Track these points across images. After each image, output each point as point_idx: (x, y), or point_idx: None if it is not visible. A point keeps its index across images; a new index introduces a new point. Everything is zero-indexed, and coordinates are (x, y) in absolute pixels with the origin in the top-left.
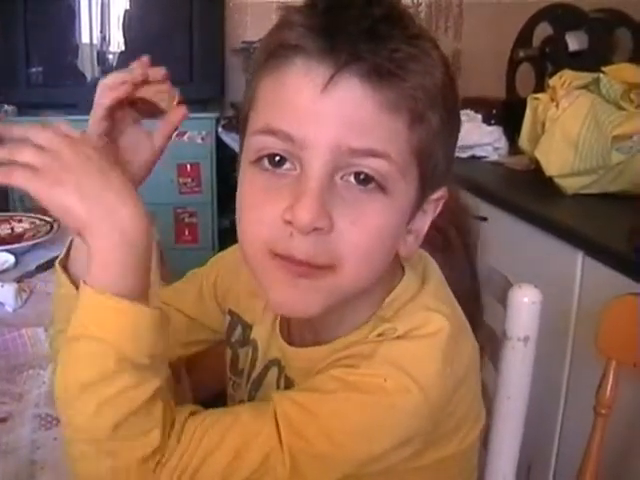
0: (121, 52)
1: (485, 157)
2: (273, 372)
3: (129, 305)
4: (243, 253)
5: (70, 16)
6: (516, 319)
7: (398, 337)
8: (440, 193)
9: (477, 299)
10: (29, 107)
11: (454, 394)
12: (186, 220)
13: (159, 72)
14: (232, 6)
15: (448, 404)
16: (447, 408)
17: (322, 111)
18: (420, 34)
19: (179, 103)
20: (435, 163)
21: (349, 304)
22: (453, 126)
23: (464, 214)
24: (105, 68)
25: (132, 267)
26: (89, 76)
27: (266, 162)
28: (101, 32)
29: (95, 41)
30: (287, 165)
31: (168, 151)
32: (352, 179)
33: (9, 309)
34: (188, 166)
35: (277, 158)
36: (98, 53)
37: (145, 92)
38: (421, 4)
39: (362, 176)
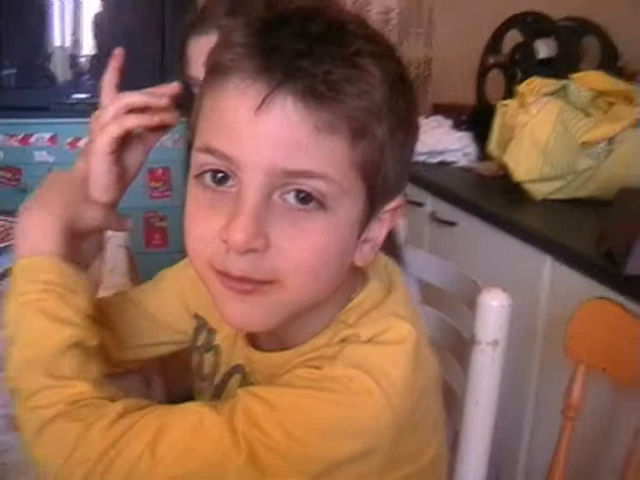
0: (93, 55)
1: (455, 162)
2: (236, 379)
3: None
4: (192, 266)
5: (43, 19)
6: (485, 323)
7: (362, 342)
8: (396, 202)
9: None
10: (1, 109)
11: (418, 404)
12: (156, 224)
13: (175, 88)
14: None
15: (412, 415)
16: (411, 420)
17: (256, 132)
18: (359, 50)
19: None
20: (385, 174)
21: (310, 312)
22: (407, 134)
23: None
24: (77, 71)
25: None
26: (61, 79)
27: (208, 178)
28: (73, 35)
29: (67, 44)
30: (229, 182)
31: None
32: (291, 198)
33: None
34: (159, 170)
35: (220, 175)
36: (70, 56)
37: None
38: (392, 10)
39: (302, 195)
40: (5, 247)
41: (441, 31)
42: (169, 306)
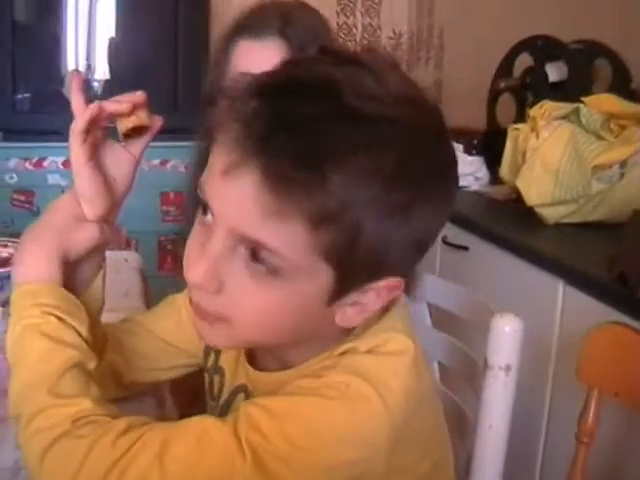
0: (106, 80)
1: (466, 187)
2: (240, 398)
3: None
4: None
5: (56, 44)
6: (498, 348)
7: (362, 353)
8: (393, 282)
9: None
10: (15, 133)
11: (415, 416)
12: (169, 248)
13: (140, 96)
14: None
15: (408, 426)
16: (407, 431)
17: (224, 192)
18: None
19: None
20: (362, 255)
21: (305, 340)
22: (406, 215)
23: None
24: (90, 95)
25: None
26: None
27: (202, 211)
28: (87, 60)
29: (81, 69)
30: (209, 216)
31: (152, 180)
32: (249, 254)
33: None
34: (172, 194)
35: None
36: (84, 81)
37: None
38: (402, 35)
39: (257, 257)
40: None
41: (451, 55)
42: (180, 330)
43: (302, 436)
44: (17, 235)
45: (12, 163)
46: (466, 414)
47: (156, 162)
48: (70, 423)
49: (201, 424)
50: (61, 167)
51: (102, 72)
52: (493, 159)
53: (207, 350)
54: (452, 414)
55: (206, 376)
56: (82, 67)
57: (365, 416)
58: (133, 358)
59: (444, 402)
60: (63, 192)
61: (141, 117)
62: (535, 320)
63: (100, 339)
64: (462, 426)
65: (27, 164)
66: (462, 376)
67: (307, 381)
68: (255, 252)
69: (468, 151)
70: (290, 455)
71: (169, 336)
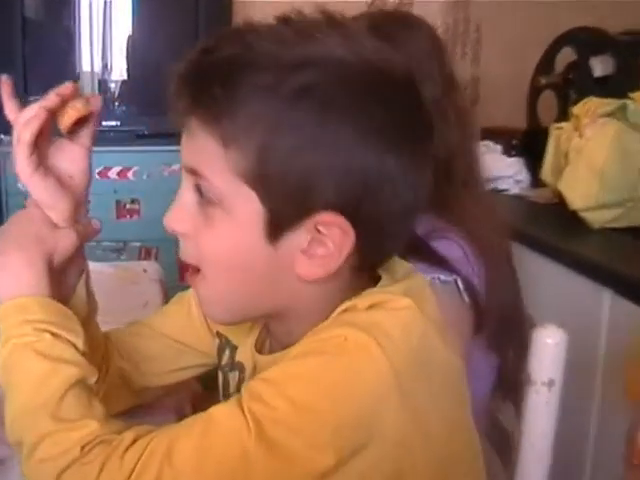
0: (124, 80)
1: (506, 190)
2: None
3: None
4: None
5: (70, 43)
6: (540, 362)
7: (360, 309)
8: (329, 217)
9: (521, 326)
10: None
11: (424, 385)
12: None
13: (68, 88)
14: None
15: (414, 393)
16: (414, 399)
17: (183, 138)
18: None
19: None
20: (280, 181)
21: (305, 315)
22: (329, 142)
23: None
24: (107, 97)
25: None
26: None
27: None
28: (102, 59)
29: (96, 69)
30: None
31: (171, 185)
32: (196, 189)
33: None
34: None
35: None
36: (100, 82)
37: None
38: (436, 28)
39: (198, 190)
40: None
41: (489, 49)
42: (191, 327)
43: (303, 395)
44: None
45: None
46: (507, 432)
47: (175, 167)
48: (79, 449)
49: (205, 413)
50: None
51: (119, 72)
52: (534, 160)
53: (221, 346)
54: (491, 431)
55: (220, 375)
56: (98, 67)
57: (367, 368)
58: (142, 362)
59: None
60: None
61: (77, 108)
62: (580, 332)
63: (98, 346)
64: (503, 445)
65: None
66: (502, 391)
67: (304, 342)
68: (197, 185)
69: (507, 152)
70: (293, 418)
71: (179, 335)
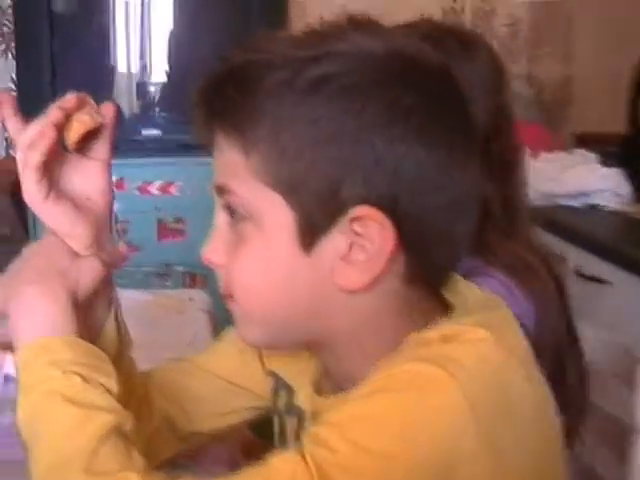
0: (165, 83)
1: (603, 206)
2: None
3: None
4: None
5: (104, 41)
6: None
7: (431, 344)
8: (359, 212)
9: (578, 360)
10: None
11: (504, 425)
12: None
13: (71, 100)
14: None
15: (494, 423)
16: (495, 431)
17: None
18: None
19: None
20: (306, 180)
21: (352, 343)
22: (350, 133)
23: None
24: (146, 102)
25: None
26: (127, 112)
27: None
28: (141, 59)
29: (133, 70)
30: None
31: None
32: (227, 208)
33: None
34: None
35: None
36: (137, 85)
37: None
38: (521, 21)
39: (228, 204)
40: None
41: (583, 45)
42: (242, 366)
43: (370, 438)
44: None
45: None
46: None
47: None
48: None
49: (264, 463)
50: (114, 188)
51: (159, 74)
52: (636, 171)
53: (276, 388)
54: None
55: (276, 420)
56: (135, 68)
57: (441, 404)
58: (189, 403)
59: (573, 467)
60: (117, 220)
61: (84, 120)
62: None
63: (135, 387)
64: None
65: None
66: (602, 439)
67: (370, 381)
68: (227, 204)
69: (603, 161)
70: (360, 463)
71: (231, 374)
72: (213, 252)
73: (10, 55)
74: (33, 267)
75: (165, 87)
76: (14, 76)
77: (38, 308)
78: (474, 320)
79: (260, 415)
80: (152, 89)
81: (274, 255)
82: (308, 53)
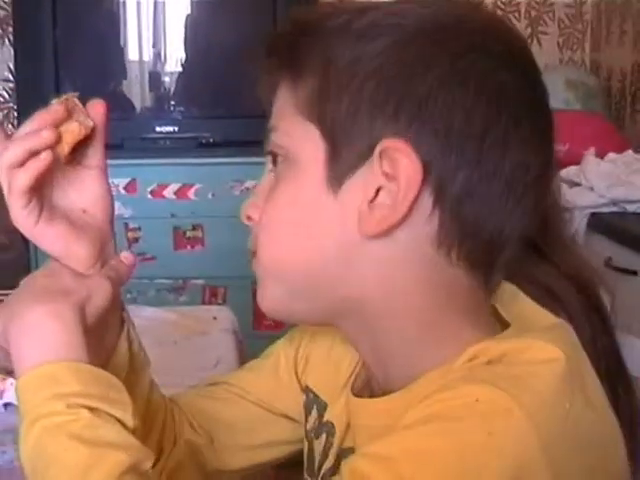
0: (181, 73)
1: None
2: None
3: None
4: None
5: (112, 26)
6: None
7: (494, 362)
8: (387, 143)
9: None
10: None
11: (573, 449)
12: None
13: (57, 112)
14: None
15: (567, 453)
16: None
17: None
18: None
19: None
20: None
21: (384, 317)
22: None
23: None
24: (160, 94)
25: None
26: (139, 106)
27: None
28: (154, 46)
29: (146, 58)
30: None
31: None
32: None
33: None
34: None
35: None
36: (150, 74)
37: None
38: (585, 2)
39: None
40: None
41: None
42: (279, 387)
43: (424, 476)
44: None
45: None
46: None
47: (249, 184)
48: None
49: None
50: (123, 192)
51: (175, 62)
52: None
53: (308, 404)
54: None
55: (305, 445)
56: (148, 56)
57: (507, 433)
58: (220, 433)
59: None
60: (127, 227)
61: (74, 130)
62: None
63: (156, 415)
64: None
65: None
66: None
67: (422, 406)
68: (270, 148)
69: None
70: None
71: (266, 397)
72: (252, 207)
73: (7, 41)
74: (36, 288)
75: (181, 77)
76: (12, 66)
77: (41, 329)
78: (541, 334)
79: (290, 454)
80: (166, 79)
81: (300, 188)
82: (366, 6)
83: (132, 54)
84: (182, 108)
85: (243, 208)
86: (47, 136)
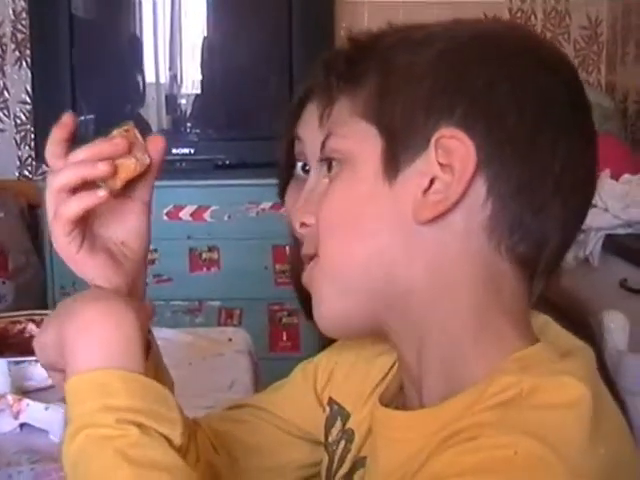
0: (197, 95)
1: None
2: (359, 475)
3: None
4: None
5: (130, 48)
6: None
7: (525, 397)
8: (443, 132)
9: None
10: None
11: None
12: (284, 320)
13: (118, 145)
14: (344, 35)
15: None
16: None
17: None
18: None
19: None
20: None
21: (449, 358)
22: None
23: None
24: (176, 117)
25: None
26: (155, 128)
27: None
28: (171, 69)
29: (162, 80)
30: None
31: (261, 229)
32: (326, 167)
33: (54, 439)
34: (287, 248)
35: None
36: (167, 97)
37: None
38: (600, 23)
39: (326, 156)
40: None
41: None
42: (300, 405)
43: None
44: None
45: None
46: None
47: (265, 205)
48: None
49: None
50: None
51: (191, 85)
52: None
53: (331, 418)
54: None
55: (325, 458)
56: (164, 78)
57: None
58: (240, 456)
59: None
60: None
61: (129, 167)
62: None
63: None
64: None
65: None
66: None
67: (459, 449)
68: (325, 154)
69: None
70: None
71: (285, 415)
72: (305, 213)
73: (25, 64)
74: (91, 293)
75: (197, 99)
76: (29, 88)
77: (100, 329)
78: (569, 367)
79: (309, 477)
80: (183, 101)
81: (358, 187)
82: (423, 24)
83: (149, 76)
84: (198, 130)
85: (293, 217)
86: (103, 169)
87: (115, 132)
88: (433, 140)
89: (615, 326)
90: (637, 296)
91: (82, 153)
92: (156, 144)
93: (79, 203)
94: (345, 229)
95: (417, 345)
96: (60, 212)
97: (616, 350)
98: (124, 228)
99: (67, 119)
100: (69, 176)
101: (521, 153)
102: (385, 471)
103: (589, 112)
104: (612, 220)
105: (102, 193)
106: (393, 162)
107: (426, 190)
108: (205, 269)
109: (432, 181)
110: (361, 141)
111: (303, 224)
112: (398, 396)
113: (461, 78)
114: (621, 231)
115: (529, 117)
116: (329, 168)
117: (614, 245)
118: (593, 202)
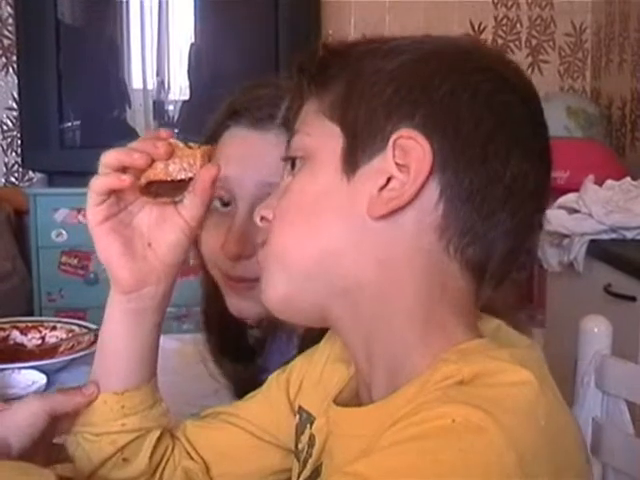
0: (185, 101)
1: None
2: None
3: None
4: None
5: (116, 55)
6: None
7: (467, 383)
8: (402, 132)
9: None
10: (63, 175)
11: (547, 464)
12: None
13: (162, 147)
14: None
15: (541, 468)
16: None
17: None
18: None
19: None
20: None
21: (392, 354)
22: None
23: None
24: (163, 123)
25: None
26: (142, 133)
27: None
28: (158, 75)
29: (150, 86)
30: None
31: None
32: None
33: None
34: None
35: None
36: (154, 103)
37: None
38: (585, 30)
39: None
40: (75, 359)
41: None
42: (270, 411)
43: None
44: (67, 311)
45: (60, 215)
46: None
47: None
48: None
49: None
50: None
51: (179, 91)
52: None
53: (300, 425)
54: None
55: (295, 463)
56: (151, 84)
57: (483, 452)
58: (214, 462)
59: None
60: None
61: (155, 168)
62: None
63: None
64: None
65: (80, 216)
66: None
67: (401, 425)
68: (289, 152)
69: None
70: None
71: (259, 422)
72: (266, 207)
73: (11, 70)
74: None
75: (185, 106)
76: (15, 94)
77: None
78: (511, 356)
79: None
80: (170, 108)
81: (317, 180)
82: (394, 37)
83: (136, 83)
84: (186, 136)
85: (256, 211)
86: (135, 157)
87: (180, 144)
88: (392, 140)
89: (599, 330)
90: (621, 301)
91: (132, 143)
92: (206, 172)
93: (105, 179)
94: (300, 221)
95: (366, 340)
96: (91, 183)
97: (600, 354)
98: (159, 233)
99: (164, 134)
100: (113, 155)
101: (474, 161)
102: (338, 468)
103: (545, 131)
104: (596, 225)
105: (124, 177)
106: (352, 159)
107: (382, 188)
108: (192, 275)
109: (389, 180)
110: (324, 139)
111: (263, 218)
112: (355, 396)
113: (424, 86)
114: (605, 236)
115: (484, 128)
116: (292, 166)
117: (598, 250)
118: (577, 207)
